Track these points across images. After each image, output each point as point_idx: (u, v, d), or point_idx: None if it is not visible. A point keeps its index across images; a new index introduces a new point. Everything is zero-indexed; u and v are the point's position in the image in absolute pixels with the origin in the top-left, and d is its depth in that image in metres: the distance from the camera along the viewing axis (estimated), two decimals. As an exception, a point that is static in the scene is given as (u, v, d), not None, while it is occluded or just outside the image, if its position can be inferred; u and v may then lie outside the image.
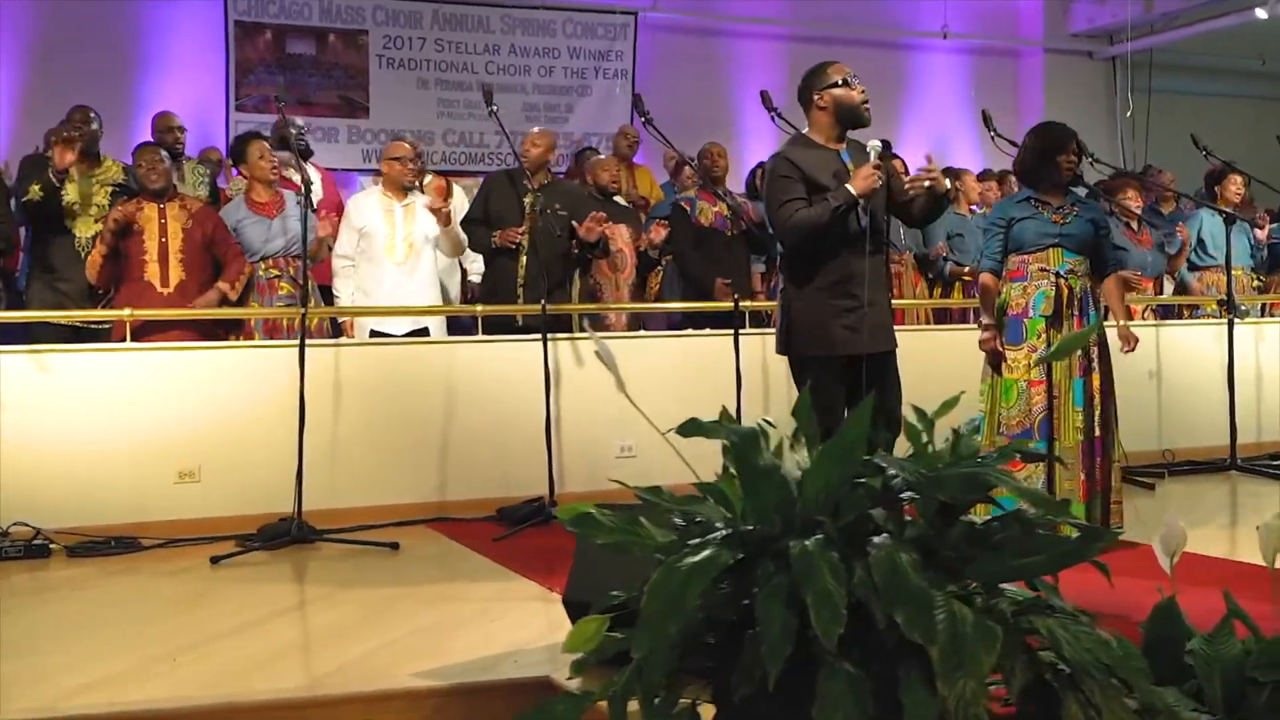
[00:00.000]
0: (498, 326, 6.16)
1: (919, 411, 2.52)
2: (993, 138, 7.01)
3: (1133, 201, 8.03)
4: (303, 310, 5.22)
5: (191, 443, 5.47)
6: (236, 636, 3.75)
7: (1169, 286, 8.36)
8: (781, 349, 4.57)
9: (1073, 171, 4.85)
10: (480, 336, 6.08)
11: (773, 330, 6.35)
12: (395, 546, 5.11)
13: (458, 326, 6.47)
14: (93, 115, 6.16)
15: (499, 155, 9.42)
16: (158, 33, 8.81)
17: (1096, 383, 4.74)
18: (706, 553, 2.15)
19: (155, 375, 5.44)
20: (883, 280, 4.56)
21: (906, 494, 2.23)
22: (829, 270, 4.41)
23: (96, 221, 5.88)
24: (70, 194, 5.91)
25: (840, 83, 4.47)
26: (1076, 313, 4.76)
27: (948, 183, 4.67)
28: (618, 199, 6.89)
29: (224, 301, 5.77)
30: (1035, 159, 4.85)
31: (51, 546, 5.07)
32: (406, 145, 6.23)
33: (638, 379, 6.58)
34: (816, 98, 4.47)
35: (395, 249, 6.06)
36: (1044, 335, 4.73)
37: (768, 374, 6.37)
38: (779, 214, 4.41)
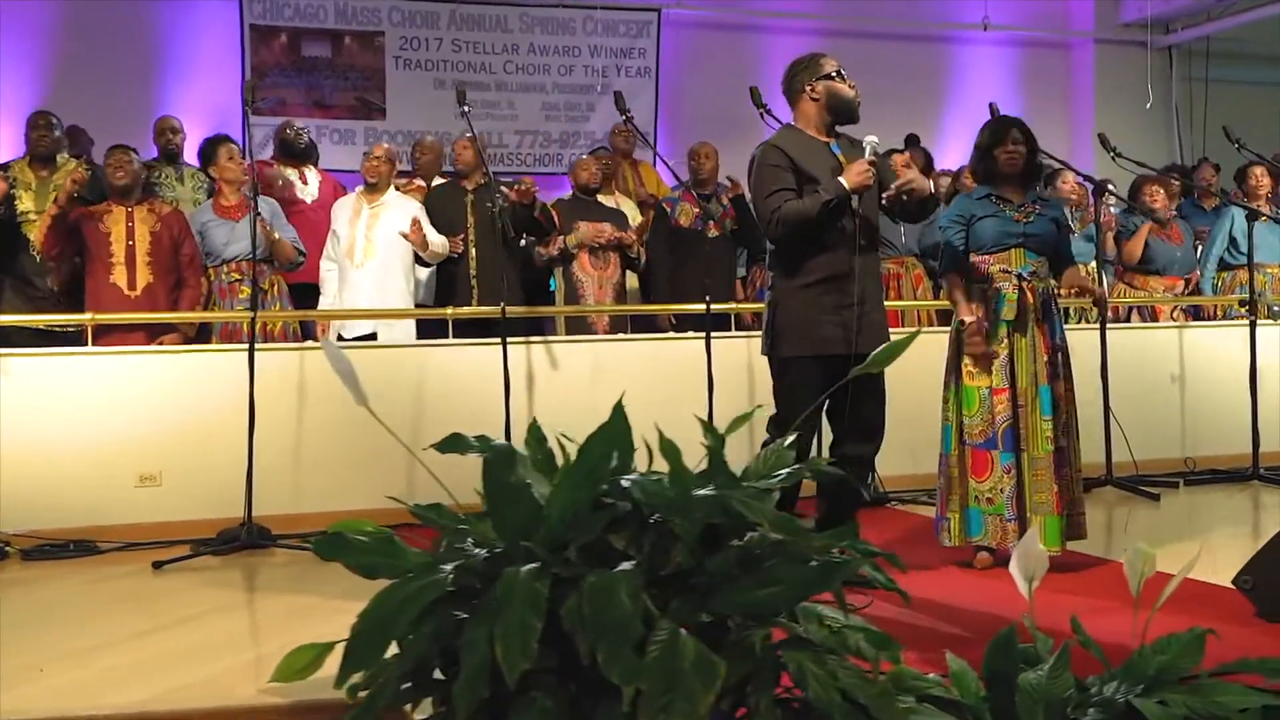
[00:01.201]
0: (456, 327, 6.11)
1: (704, 424, 2.38)
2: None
3: (1157, 200, 7.71)
4: (252, 314, 5.18)
5: (152, 446, 5.48)
6: (118, 646, 3.72)
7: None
8: (766, 349, 4.35)
9: (1016, 164, 4.59)
10: (450, 340, 6.01)
11: (751, 334, 6.27)
12: (342, 553, 5.05)
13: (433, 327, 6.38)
14: (55, 121, 6.23)
15: (518, 155, 9.35)
16: (176, 37, 8.88)
17: (1062, 390, 4.52)
18: (430, 578, 2.03)
19: (117, 378, 5.46)
20: (876, 279, 4.37)
21: (655, 517, 2.09)
22: (819, 266, 4.22)
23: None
24: (25, 202, 5.95)
25: (835, 74, 4.32)
26: (1040, 317, 4.52)
27: (929, 184, 4.47)
28: (601, 198, 6.77)
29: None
30: (976, 157, 4.66)
31: (7, 549, 5.11)
32: (383, 147, 6.25)
33: (618, 382, 6.41)
34: (809, 88, 4.32)
35: (354, 251, 6.05)
36: (1006, 341, 4.51)
37: (753, 377, 6.21)
38: (765, 204, 4.21)
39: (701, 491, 2.05)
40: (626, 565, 2.03)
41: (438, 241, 6.11)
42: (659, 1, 9.79)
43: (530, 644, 1.83)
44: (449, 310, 6.03)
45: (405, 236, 5.97)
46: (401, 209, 6.19)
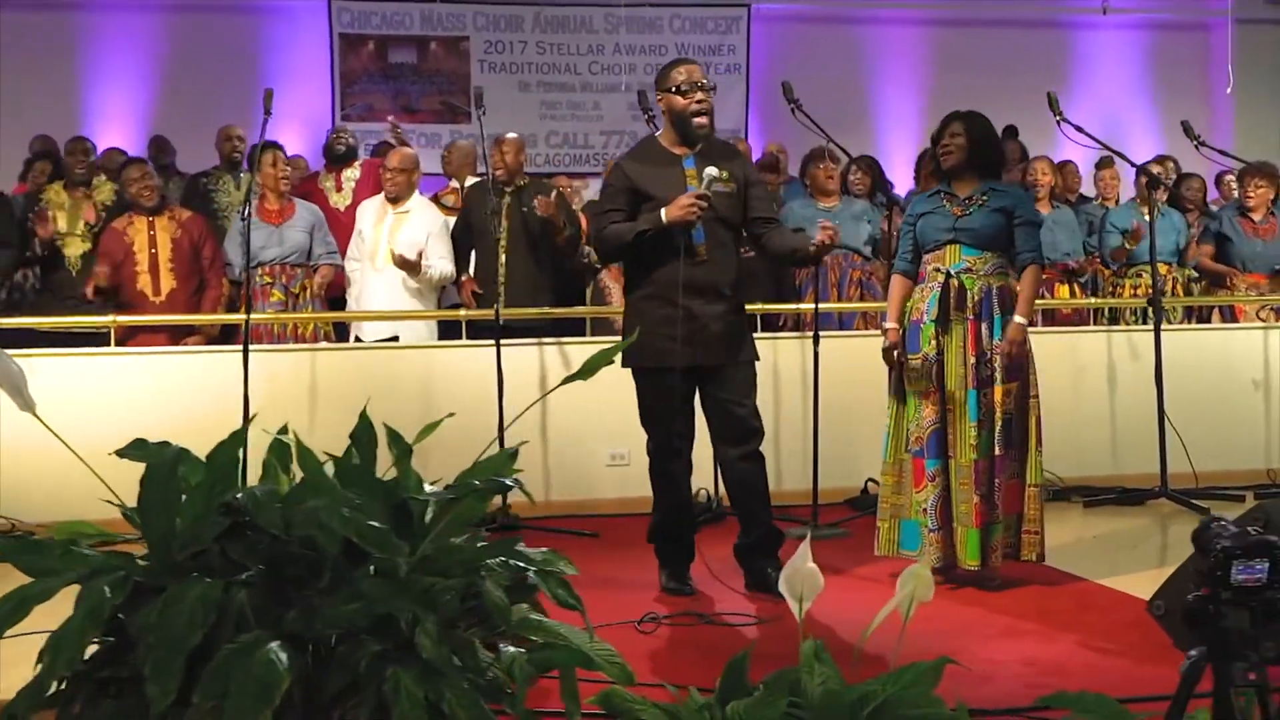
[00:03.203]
0: (485, 330, 6.13)
1: (391, 433, 2.34)
2: (1058, 122, 6.40)
3: (1258, 192, 7.19)
4: (245, 318, 5.34)
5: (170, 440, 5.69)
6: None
7: None
8: (623, 360, 4.24)
9: (949, 159, 4.34)
10: (463, 341, 6.07)
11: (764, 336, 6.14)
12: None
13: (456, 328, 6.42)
14: (90, 146, 6.63)
15: (604, 156, 9.35)
16: (272, 48, 9.24)
17: (999, 396, 4.21)
18: (41, 586, 2.05)
19: (138, 378, 5.71)
20: (719, 292, 4.24)
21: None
22: (651, 280, 4.23)
23: (84, 240, 6.21)
24: (60, 223, 6.25)
25: (677, 88, 4.22)
26: (972, 316, 4.23)
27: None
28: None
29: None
30: (928, 154, 4.47)
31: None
32: (402, 155, 6.31)
33: (629, 384, 6.33)
34: (657, 98, 4.33)
35: (377, 255, 6.12)
36: (935, 341, 4.28)
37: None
38: (593, 224, 4.39)
39: (310, 504, 2.01)
40: (244, 578, 2.02)
41: (439, 273, 6.16)
42: (749, -4, 9.67)
43: (78, 651, 1.84)
44: (461, 312, 6.10)
45: (398, 262, 6.02)
46: (422, 218, 6.23)
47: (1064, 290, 6.93)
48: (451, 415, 2.67)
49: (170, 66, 9.15)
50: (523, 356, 5.98)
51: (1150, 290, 7.03)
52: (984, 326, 4.24)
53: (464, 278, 6.26)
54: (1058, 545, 4.71)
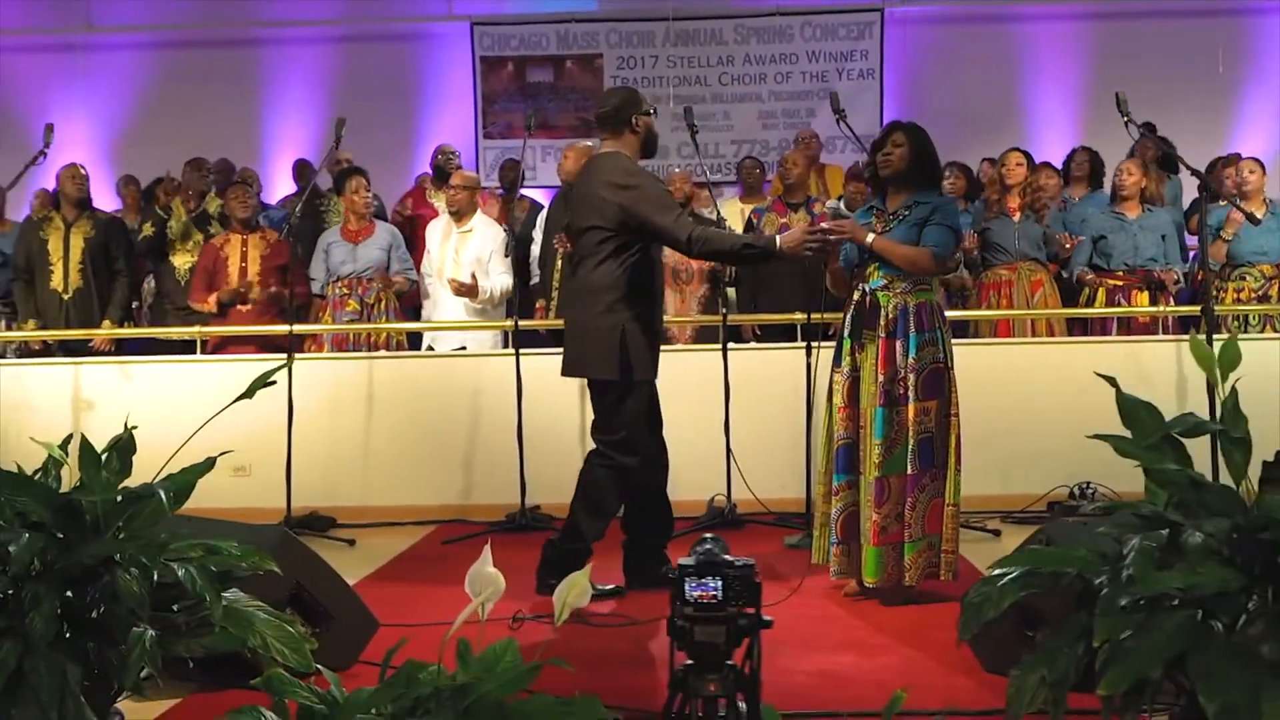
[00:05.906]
0: (542, 338, 6.50)
1: (84, 446, 2.70)
2: (1125, 123, 6.18)
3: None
4: (289, 328, 5.88)
5: (245, 441, 6.25)
6: None
7: None
8: (613, 373, 4.39)
9: (886, 167, 4.33)
10: (509, 350, 6.41)
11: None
12: (352, 543, 5.66)
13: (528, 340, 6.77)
14: (208, 165, 7.53)
15: (735, 167, 9.52)
16: (423, 73, 9.91)
17: (912, 414, 4.17)
18: None
19: (217, 382, 6.35)
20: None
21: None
22: (653, 291, 4.48)
23: (192, 255, 6.94)
24: (174, 226, 7.00)
25: (653, 112, 4.62)
26: (884, 334, 4.22)
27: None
28: (700, 211, 6.89)
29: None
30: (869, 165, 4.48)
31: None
32: (464, 175, 6.75)
33: (689, 392, 6.48)
34: (634, 120, 4.53)
35: (443, 272, 6.55)
36: (851, 356, 4.31)
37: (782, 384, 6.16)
38: (681, 219, 4.35)
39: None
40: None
41: (499, 289, 6.53)
42: (881, 0, 9.59)
43: None
44: (506, 322, 6.46)
45: (455, 290, 6.42)
46: (484, 235, 6.63)
47: (1143, 298, 6.63)
48: (136, 427, 3.00)
49: (336, 93, 9.94)
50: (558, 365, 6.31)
51: (1252, 295, 6.72)
52: (897, 344, 4.21)
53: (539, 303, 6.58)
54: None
